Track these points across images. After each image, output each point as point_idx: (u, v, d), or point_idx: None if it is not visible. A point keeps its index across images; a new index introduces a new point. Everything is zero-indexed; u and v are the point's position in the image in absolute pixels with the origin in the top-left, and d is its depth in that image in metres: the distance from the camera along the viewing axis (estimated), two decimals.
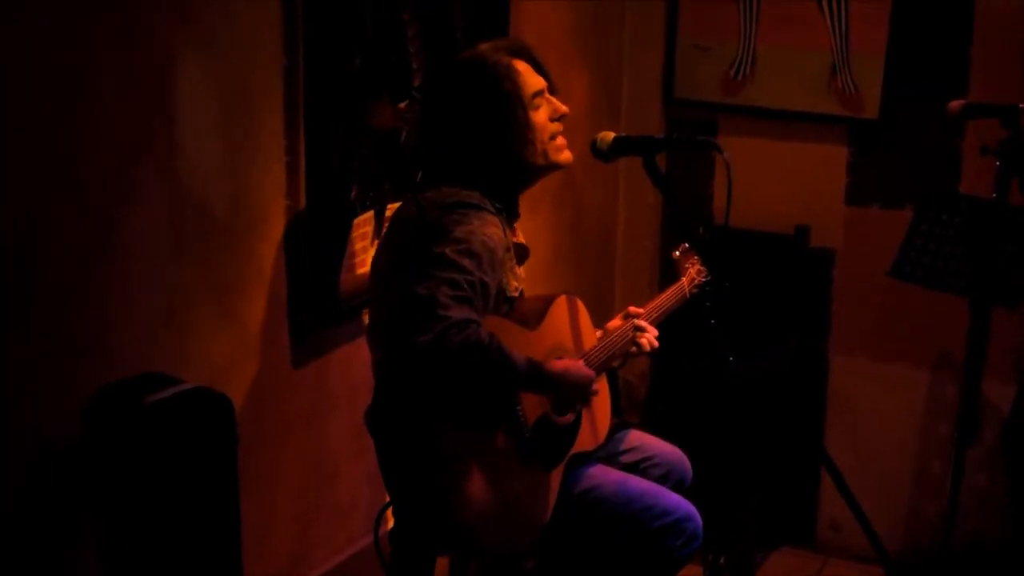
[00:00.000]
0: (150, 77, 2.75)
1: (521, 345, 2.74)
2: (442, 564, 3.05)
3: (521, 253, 3.01)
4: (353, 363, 3.41)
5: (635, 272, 4.86)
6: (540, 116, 2.91)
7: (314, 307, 3.26)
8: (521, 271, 2.99)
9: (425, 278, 2.60)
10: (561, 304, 2.96)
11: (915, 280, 3.77)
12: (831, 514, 4.60)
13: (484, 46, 2.96)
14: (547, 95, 2.94)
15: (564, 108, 2.96)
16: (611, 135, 2.95)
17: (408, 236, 2.78)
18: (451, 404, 2.65)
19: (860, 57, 4.32)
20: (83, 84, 2.59)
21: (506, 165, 2.90)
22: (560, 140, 2.95)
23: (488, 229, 2.74)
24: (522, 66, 2.92)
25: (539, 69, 2.96)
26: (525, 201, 3.04)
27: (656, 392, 4.81)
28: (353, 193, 3.31)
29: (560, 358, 2.90)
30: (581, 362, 2.89)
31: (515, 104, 2.87)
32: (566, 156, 2.97)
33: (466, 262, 2.64)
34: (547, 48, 3.06)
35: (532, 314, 2.88)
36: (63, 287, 2.60)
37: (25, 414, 2.55)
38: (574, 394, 2.85)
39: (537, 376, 2.72)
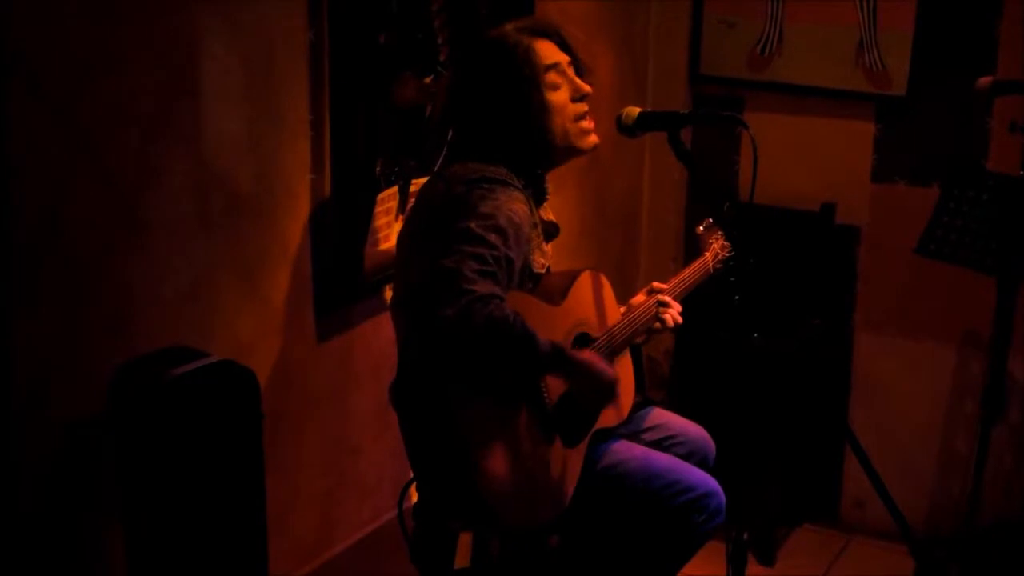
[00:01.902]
0: (175, 52, 2.76)
1: (544, 320, 2.74)
2: (465, 540, 3.06)
3: (550, 231, 3.00)
4: (377, 338, 3.42)
5: (659, 248, 4.86)
6: (559, 96, 2.89)
7: (339, 282, 3.27)
8: (548, 248, 2.98)
9: (451, 252, 2.60)
10: (585, 280, 2.95)
11: (941, 257, 3.76)
12: (855, 492, 4.59)
13: (509, 26, 2.94)
14: (568, 72, 2.92)
15: (586, 88, 2.93)
16: (636, 110, 2.94)
17: (434, 211, 2.77)
18: (474, 379, 2.65)
19: (888, 33, 4.29)
20: (107, 59, 2.59)
21: (527, 146, 2.89)
22: (586, 123, 2.92)
23: (514, 205, 2.74)
24: (543, 46, 2.90)
25: (565, 49, 2.95)
26: (551, 176, 3.03)
27: (680, 369, 4.80)
28: (378, 168, 3.31)
29: (584, 334, 2.90)
30: (609, 368, 2.84)
31: (531, 87, 2.85)
32: (590, 141, 2.94)
33: (492, 237, 2.64)
34: (572, 24, 3.06)
35: (556, 289, 2.88)
36: (88, 262, 2.61)
37: (52, 388, 2.57)
38: (593, 390, 2.80)
39: (559, 359, 2.70)
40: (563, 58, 2.92)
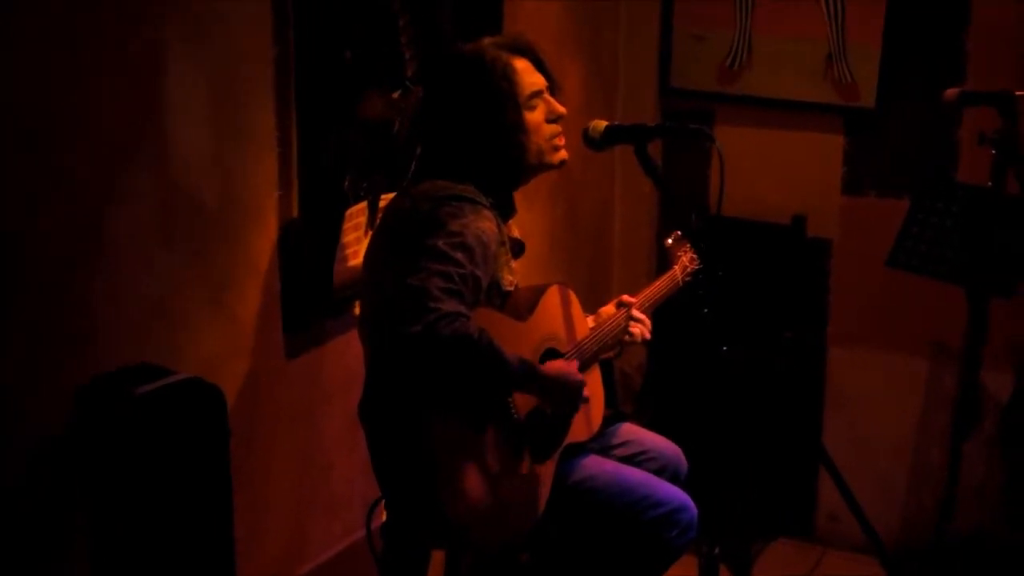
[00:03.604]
0: (140, 69, 2.74)
1: (512, 336, 2.73)
2: (437, 557, 3.04)
3: (516, 248, 2.99)
4: (347, 355, 3.40)
5: (631, 262, 4.86)
6: (535, 116, 2.88)
7: (308, 298, 3.26)
8: (515, 265, 2.97)
9: (417, 269, 2.59)
10: (553, 294, 2.94)
11: (912, 269, 3.76)
12: (830, 505, 4.59)
13: (487, 41, 2.93)
14: (545, 95, 2.92)
15: (562, 109, 2.93)
16: (603, 123, 2.94)
17: (401, 228, 2.77)
18: (441, 396, 2.63)
19: (856, 46, 4.30)
20: (71, 76, 2.58)
21: (498, 163, 2.88)
22: (558, 141, 2.93)
23: (482, 223, 2.73)
24: (521, 64, 2.89)
25: (541, 68, 2.94)
26: (521, 191, 3.02)
27: (652, 382, 4.79)
28: (346, 184, 3.30)
29: (552, 349, 2.89)
30: (575, 365, 2.86)
31: (508, 104, 2.84)
32: (560, 156, 2.95)
33: (459, 255, 2.63)
34: (541, 38, 3.04)
35: (523, 305, 2.87)
36: (54, 279, 2.60)
37: (16, 405, 2.55)
38: (563, 400, 2.83)
39: (529, 376, 2.70)
40: (543, 83, 2.91)
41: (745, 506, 4.26)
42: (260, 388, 3.17)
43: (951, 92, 3.55)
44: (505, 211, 2.94)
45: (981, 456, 4.30)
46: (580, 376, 2.83)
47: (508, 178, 2.94)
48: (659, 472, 3.11)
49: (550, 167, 2.96)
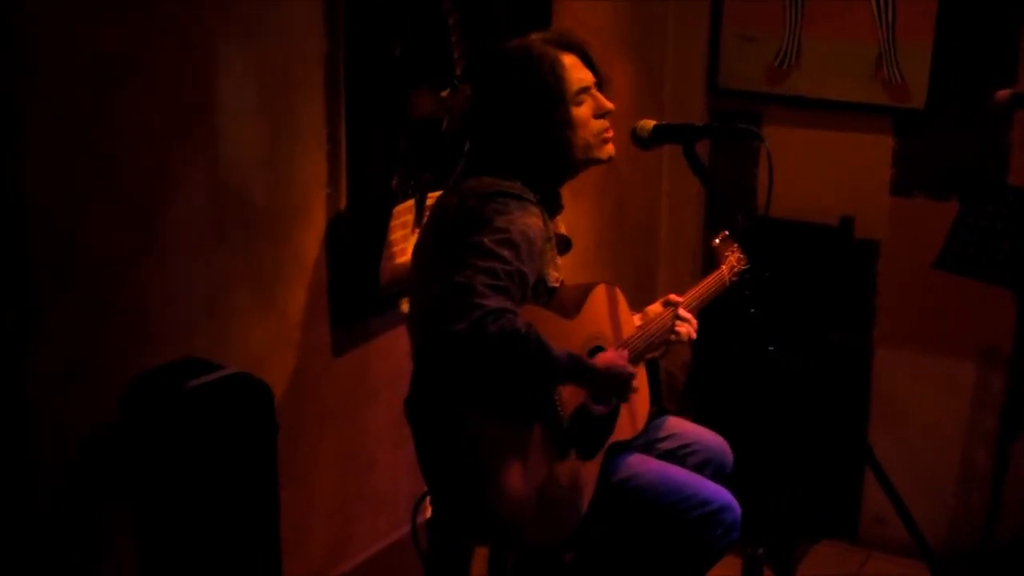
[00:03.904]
0: (190, 65, 2.76)
1: (558, 334, 2.73)
2: (480, 554, 3.05)
3: (563, 244, 3.00)
4: (393, 351, 3.42)
5: (677, 261, 4.85)
6: (583, 112, 2.88)
7: (355, 295, 3.27)
8: (561, 262, 2.98)
9: (463, 266, 2.59)
10: (600, 293, 2.95)
11: (961, 272, 3.74)
12: (875, 507, 4.56)
13: (534, 36, 2.93)
14: (593, 91, 2.91)
15: (609, 105, 2.92)
16: (651, 123, 2.94)
17: (448, 225, 2.77)
18: (488, 394, 2.64)
19: (907, 46, 4.28)
20: (123, 74, 2.60)
21: (545, 158, 2.88)
22: (606, 135, 2.92)
23: (528, 219, 2.73)
24: (569, 60, 2.89)
25: (589, 64, 2.94)
26: (568, 189, 3.02)
27: (697, 382, 4.79)
28: (394, 181, 3.31)
29: (599, 347, 2.89)
30: (625, 355, 2.87)
31: (556, 99, 2.84)
32: (608, 150, 2.94)
33: (505, 252, 2.63)
34: (590, 37, 3.04)
35: (570, 303, 2.87)
36: (105, 274, 2.62)
37: (66, 399, 2.57)
38: (613, 390, 2.83)
39: (577, 368, 2.70)
40: (590, 78, 2.91)
41: (790, 507, 4.25)
42: (307, 384, 3.19)
43: (1002, 94, 3.53)
44: (552, 207, 2.95)
45: None
46: (629, 366, 2.84)
47: (555, 173, 2.94)
48: (703, 465, 3.11)
49: (597, 162, 2.96)
